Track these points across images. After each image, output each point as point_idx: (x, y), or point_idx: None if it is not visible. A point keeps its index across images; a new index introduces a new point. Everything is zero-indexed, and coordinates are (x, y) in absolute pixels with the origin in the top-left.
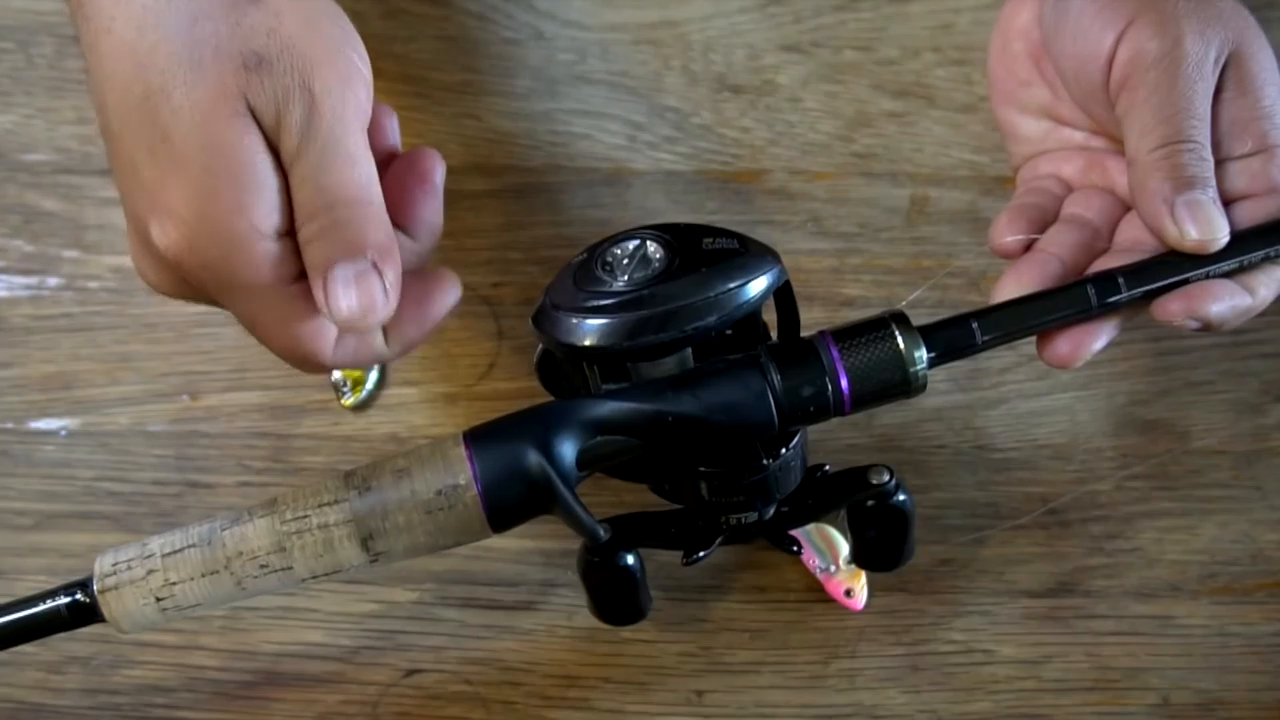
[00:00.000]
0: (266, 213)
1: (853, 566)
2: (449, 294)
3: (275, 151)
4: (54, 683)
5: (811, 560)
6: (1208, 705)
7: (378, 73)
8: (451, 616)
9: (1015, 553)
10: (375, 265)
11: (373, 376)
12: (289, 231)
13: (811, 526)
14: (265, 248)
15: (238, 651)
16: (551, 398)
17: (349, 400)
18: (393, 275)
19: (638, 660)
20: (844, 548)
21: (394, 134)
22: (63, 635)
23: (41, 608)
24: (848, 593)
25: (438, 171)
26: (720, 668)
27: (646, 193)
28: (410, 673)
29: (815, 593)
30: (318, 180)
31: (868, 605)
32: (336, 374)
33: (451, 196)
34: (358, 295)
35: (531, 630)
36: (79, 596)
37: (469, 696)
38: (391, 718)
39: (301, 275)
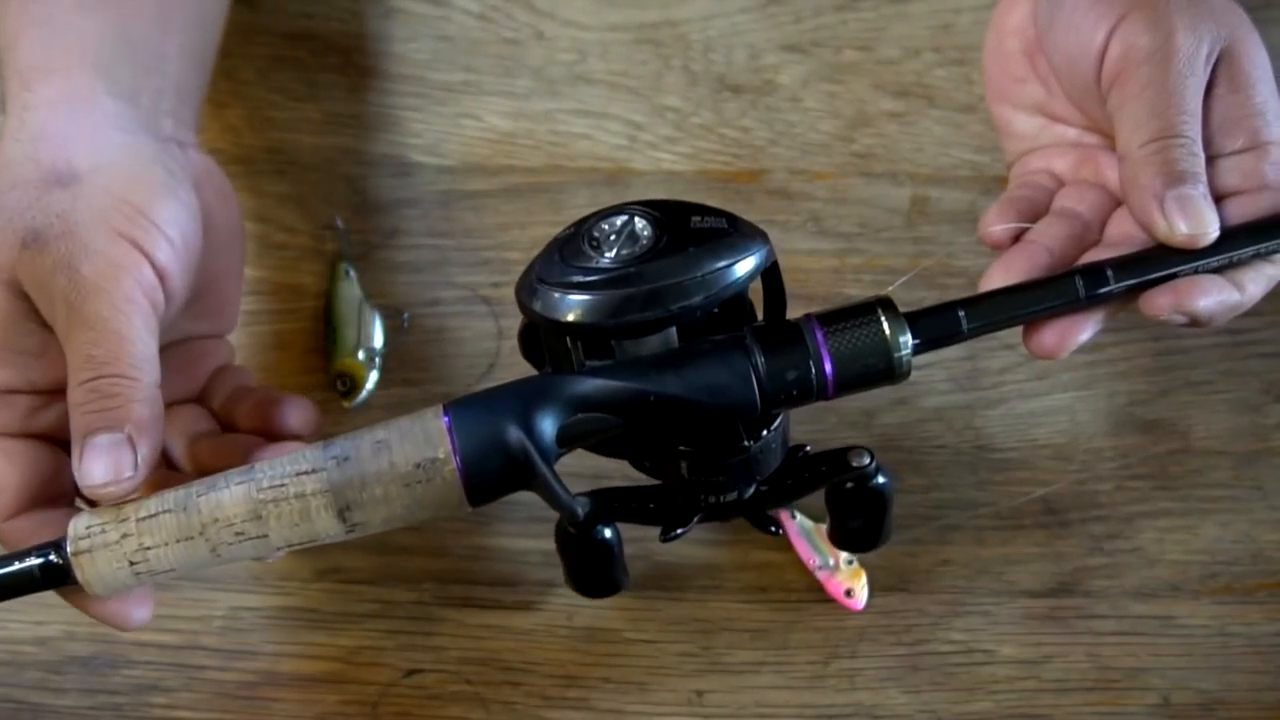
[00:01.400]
0: None
1: (853, 566)
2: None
3: (44, 319)
4: (54, 683)
5: (811, 560)
6: (1208, 705)
7: (377, 73)
8: (451, 616)
9: (1015, 553)
10: (130, 439)
11: (373, 376)
12: (31, 392)
13: (811, 526)
14: None
15: (238, 651)
16: (534, 370)
17: (349, 400)
18: (146, 451)
19: (638, 660)
20: None
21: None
22: (63, 636)
23: (14, 568)
24: (848, 593)
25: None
26: (720, 668)
27: (646, 193)
28: (410, 673)
29: (815, 593)
30: (87, 352)
31: (868, 605)
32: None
33: (452, 196)
34: (108, 465)
35: (531, 630)
36: (52, 557)
37: (469, 696)
38: (391, 718)
39: (20, 435)
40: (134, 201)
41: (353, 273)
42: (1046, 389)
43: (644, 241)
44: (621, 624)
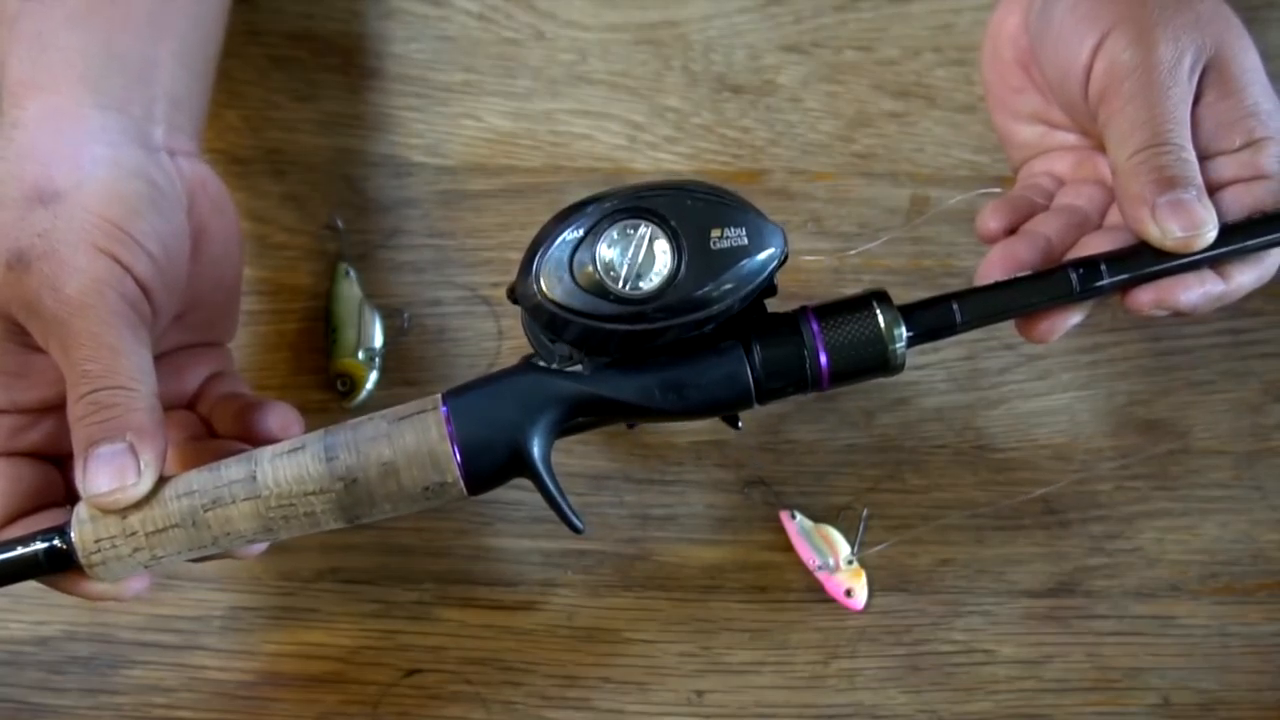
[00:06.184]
0: None
1: (853, 566)
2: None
3: (29, 340)
4: (54, 683)
5: (811, 560)
6: (1208, 705)
7: (378, 73)
8: (451, 616)
9: (1015, 553)
10: (132, 447)
11: (373, 376)
12: (15, 412)
13: (811, 526)
14: None
15: (238, 651)
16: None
17: (349, 400)
18: (150, 457)
19: (638, 660)
20: (844, 548)
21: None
22: (63, 636)
23: (18, 553)
24: (848, 593)
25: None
26: (720, 668)
27: None
28: (410, 673)
29: (815, 593)
30: (82, 368)
31: (868, 605)
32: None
33: (452, 196)
34: (112, 474)
35: (531, 630)
36: (56, 543)
37: (469, 696)
38: (391, 718)
39: (4, 454)
40: (113, 217)
41: (353, 273)
42: (1046, 389)
43: (662, 270)
44: (621, 624)
